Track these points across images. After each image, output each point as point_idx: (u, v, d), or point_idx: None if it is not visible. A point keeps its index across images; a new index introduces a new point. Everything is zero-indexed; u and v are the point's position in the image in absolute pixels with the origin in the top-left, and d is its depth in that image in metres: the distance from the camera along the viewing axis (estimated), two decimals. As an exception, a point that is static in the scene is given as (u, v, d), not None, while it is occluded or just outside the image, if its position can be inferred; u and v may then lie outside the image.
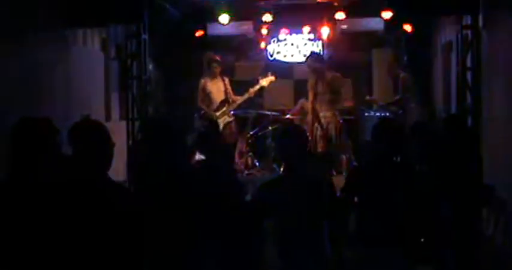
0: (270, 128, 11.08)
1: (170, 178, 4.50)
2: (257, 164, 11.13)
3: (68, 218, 3.73)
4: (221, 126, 10.63)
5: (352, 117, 11.52)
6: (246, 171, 10.82)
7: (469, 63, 9.43)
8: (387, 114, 10.64)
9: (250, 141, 11.16)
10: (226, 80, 10.93)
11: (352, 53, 13.10)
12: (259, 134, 11.26)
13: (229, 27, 11.35)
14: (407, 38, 12.20)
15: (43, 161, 5.09)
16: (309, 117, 10.30)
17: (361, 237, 4.90)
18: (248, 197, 6.17)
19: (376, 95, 12.38)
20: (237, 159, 10.85)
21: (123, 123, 10.13)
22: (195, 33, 12.13)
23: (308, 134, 8.86)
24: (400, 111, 10.59)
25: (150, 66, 11.01)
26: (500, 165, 7.69)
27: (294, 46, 12.95)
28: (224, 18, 10.82)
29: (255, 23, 12.02)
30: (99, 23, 9.36)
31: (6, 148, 4.50)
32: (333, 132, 10.22)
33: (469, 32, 9.40)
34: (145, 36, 10.10)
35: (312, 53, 11.25)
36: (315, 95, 10.30)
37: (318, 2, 11.08)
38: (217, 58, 10.89)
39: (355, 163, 10.49)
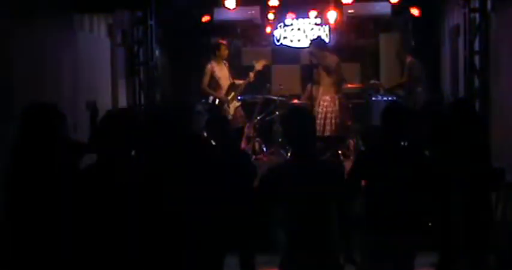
0: (277, 113, 11.07)
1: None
2: (264, 149, 11.14)
3: None
4: (231, 111, 10.70)
5: (360, 101, 11.50)
6: (254, 156, 10.82)
7: (476, 47, 9.38)
8: (395, 98, 10.62)
9: (257, 126, 11.15)
10: (227, 65, 10.93)
11: (359, 38, 13.05)
12: (267, 119, 11.26)
13: (235, 12, 11.33)
14: (415, 22, 12.14)
15: (50, 146, 5.10)
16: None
17: (369, 222, 4.90)
18: (255, 183, 6.18)
19: (383, 79, 12.35)
20: (244, 144, 10.86)
21: (130, 109, 10.14)
22: (201, 18, 12.10)
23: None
24: (404, 95, 10.61)
25: (157, 52, 11.00)
26: (508, 149, 7.66)
27: (300, 31, 12.89)
28: (231, 3, 10.80)
29: (262, 8, 11.98)
30: (105, 9, 9.33)
31: (13, 132, 4.50)
32: (331, 115, 10.21)
33: (477, 15, 9.34)
34: (151, 22, 10.09)
35: (313, 39, 11.24)
36: (317, 80, 10.35)
37: (325, -13, 11.05)
38: (225, 42, 10.87)
39: (362, 148, 10.48)
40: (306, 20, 12.81)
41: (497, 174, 6.44)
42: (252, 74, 10.77)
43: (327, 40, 12.07)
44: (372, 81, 11.59)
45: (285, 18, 12.69)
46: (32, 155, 5.13)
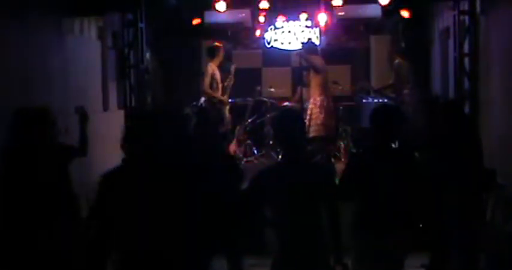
0: (268, 115, 11.09)
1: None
2: (255, 151, 11.15)
3: None
4: (226, 111, 10.81)
5: (351, 103, 11.53)
6: (244, 159, 10.83)
7: (466, 49, 9.43)
8: (385, 100, 10.66)
9: (248, 128, 11.17)
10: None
11: (350, 40, 13.09)
12: (257, 121, 11.27)
13: (226, 15, 11.33)
14: (405, 24, 12.18)
15: (41, 149, 5.09)
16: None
17: (360, 224, 4.91)
18: (246, 184, 6.18)
19: (374, 81, 12.39)
20: (235, 146, 10.87)
21: (121, 112, 10.12)
22: (192, 21, 12.10)
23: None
24: (394, 96, 10.68)
25: (148, 55, 11.00)
26: (497, 150, 7.70)
27: (291, 33, 12.90)
28: (221, 5, 10.81)
29: (252, 10, 11.99)
30: (96, 11, 9.33)
31: (3, 135, 4.50)
32: (315, 116, 10.29)
33: (466, 17, 9.38)
34: (142, 25, 10.08)
35: (305, 42, 11.33)
36: (307, 83, 10.49)
37: (315, -11, 11.09)
38: (221, 45, 10.96)
39: (353, 150, 10.51)
40: (297, 22, 12.82)
41: (489, 175, 6.46)
42: (231, 77, 10.88)
43: (317, 42, 12.11)
44: (360, 84, 11.67)
45: (276, 21, 12.70)
46: (22, 157, 5.13)
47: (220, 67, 10.94)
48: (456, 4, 9.50)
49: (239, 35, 13.32)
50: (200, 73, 10.87)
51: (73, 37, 9.03)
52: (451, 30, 9.92)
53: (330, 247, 4.57)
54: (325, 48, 12.13)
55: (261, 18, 12.24)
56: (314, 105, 10.32)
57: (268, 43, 12.98)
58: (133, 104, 10.09)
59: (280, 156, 9.01)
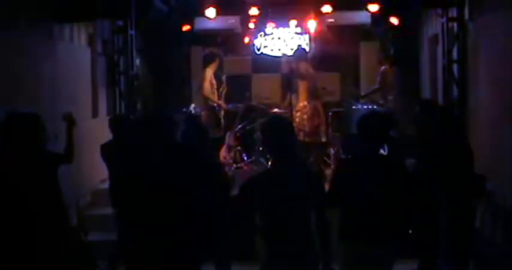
0: (257, 121, 11.09)
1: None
2: (245, 157, 11.15)
3: None
4: (222, 116, 11.18)
5: (340, 109, 11.56)
6: (235, 165, 10.83)
7: (455, 56, 9.47)
8: (374, 106, 10.70)
9: (238, 135, 11.17)
10: None
11: (340, 47, 13.11)
12: (247, 127, 11.27)
13: (216, 21, 11.36)
14: (394, 31, 12.23)
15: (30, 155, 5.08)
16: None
17: (348, 230, 4.91)
18: (236, 191, 6.18)
19: (363, 88, 12.42)
20: (225, 153, 10.88)
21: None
22: (182, 27, 12.11)
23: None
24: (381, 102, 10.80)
25: (137, 62, 11.01)
26: (485, 158, 7.72)
27: (280, 40, 12.92)
28: (211, 12, 10.84)
29: (242, 17, 12.01)
30: (86, 18, 9.33)
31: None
32: (299, 123, 10.39)
33: (455, 24, 9.44)
34: (132, 32, 10.09)
35: (296, 49, 11.46)
36: (295, 89, 10.62)
37: (305, -4, 11.12)
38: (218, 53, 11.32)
39: (343, 156, 10.52)
40: (287, 29, 12.84)
41: (479, 181, 6.47)
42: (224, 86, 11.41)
43: (307, 49, 12.13)
44: (348, 90, 11.79)
45: (266, 28, 12.72)
46: (10, 163, 5.12)
47: (216, 74, 11.14)
48: (445, 11, 9.56)
49: (229, 42, 13.32)
50: (187, 80, 11.11)
51: (63, 43, 9.02)
52: (440, 37, 9.98)
53: (319, 253, 4.58)
54: (314, 54, 12.15)
55: (251, 25, 12.26)
56: (300, 111, 10.42)
57: (258, 50, 12.99)
58: (122, 110, 10.08)
59: (269, 163, 9.02)
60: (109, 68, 10.55)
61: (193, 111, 10.96)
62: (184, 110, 10.98)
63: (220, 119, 11.12)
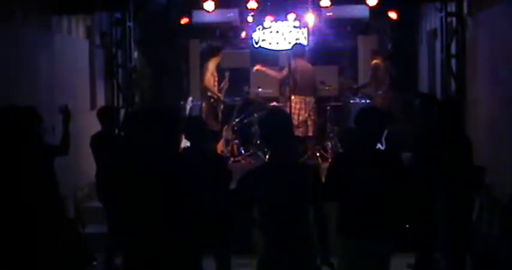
0: (255, 115, 11.10)
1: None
2: (242, 151, 11.15)
3: None
4: (220, 111, 11.18)
5: (338, 103, 11.57)
6: (232, 159, 10.84)
7: (453, 51, 9.47)
8: (367, 100, 10.78)
9: (235, 128, 11.18)
10: None
11: (338, 40, 13.10)
12: (245, 121, 11.27)
13: (214, 14, 11.34)
14: (393, 25, 12.23)
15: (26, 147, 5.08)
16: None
17: (345, 225, 4.91)
18: (234, 185, 6.18)
19: (361, 82, 12.42)
20: (222, 146, 10.90)
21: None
22: (180, 20, 12.09)
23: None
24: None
25: (135, 54, 10.99)
26: (483, 151, 7.74)
27: (279, 33, 12.89)
28: (209, 5, 10.83)
29: (241, 10, 11.98)
30: (84, 10, 9.31)
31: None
32: (300, 116, 10.51)
33: (453, 19, 9.43)
34: (130, 24, 10.07)
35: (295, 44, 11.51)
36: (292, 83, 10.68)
37: (303, -11, 11.11)
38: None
39: (340, 150, 10.53)
40: (285, 22, 12.79)
41: (479, 173, 6.46)
42: (226, 81, 11.35)
43: (305, 43, 12.12)
44: (345, 84, 11.81)
45: (264, 21, 12.68)
46: (8, 156, 5.12)
47: (218, 67, 11.15)
48: (443, 6, 9.55)
49: (227, 35, 13.31)
50: (185, 73, 11.11)
51: (61, 36, 9.01)
52: (438, 31, 9.97)
53: (317, 247, 4.59)
54: (312, 48, 12.14)
55: (249, 18, 12.24)
56: (302, 105, 10.47)
57: (256, 43, 12.97)
58: (120, 103, 10.08)
59: (267, 156, 9.04)
60: (107, 60, 10.54)
61: (190, 105, 10.95)
62: (181, 102, 10.98)
63: (218, 113, 11.10)
